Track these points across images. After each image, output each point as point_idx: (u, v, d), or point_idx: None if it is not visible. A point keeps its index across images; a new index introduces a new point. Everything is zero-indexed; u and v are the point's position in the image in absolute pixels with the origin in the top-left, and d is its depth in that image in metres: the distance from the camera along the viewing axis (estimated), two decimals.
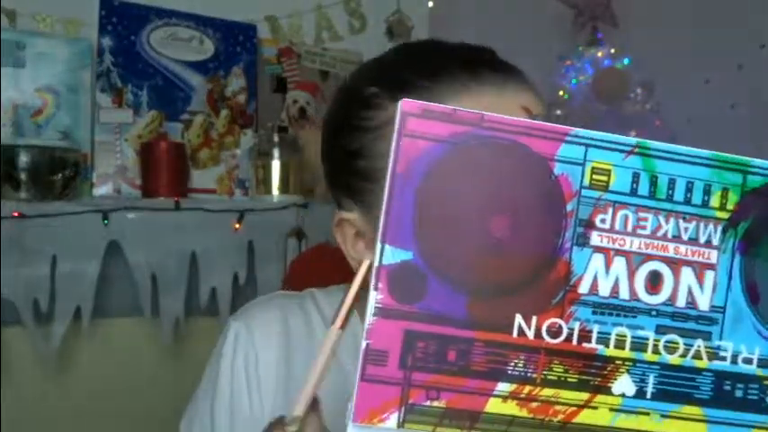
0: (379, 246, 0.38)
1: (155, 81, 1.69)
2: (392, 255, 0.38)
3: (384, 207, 0.38)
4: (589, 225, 0.40)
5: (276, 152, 1.66)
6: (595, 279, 0.40)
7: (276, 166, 1.66)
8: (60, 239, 1.45)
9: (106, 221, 1.47)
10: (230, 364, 0.72)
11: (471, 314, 0.39)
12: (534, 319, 0.40)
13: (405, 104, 0.39)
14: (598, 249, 0.40)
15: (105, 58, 1.65)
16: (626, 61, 2.24)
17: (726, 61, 2.48)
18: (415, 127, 0.38)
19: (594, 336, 0.40)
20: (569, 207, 0.40)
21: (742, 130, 2.48)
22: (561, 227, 0.40)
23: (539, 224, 0.39)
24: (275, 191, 1.66)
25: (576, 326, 0.40)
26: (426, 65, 0.62)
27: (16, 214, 1.41)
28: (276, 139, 1.68)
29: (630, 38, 2.29)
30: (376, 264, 0.38)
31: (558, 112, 2.17)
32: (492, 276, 0.39)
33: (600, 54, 2.25)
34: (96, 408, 1.54)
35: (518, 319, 0.40)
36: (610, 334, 0.40)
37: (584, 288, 0.40)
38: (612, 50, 2.25)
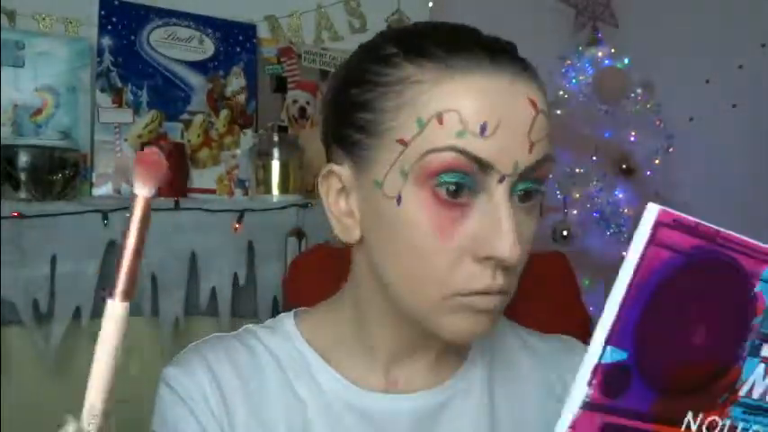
0: (601, 345, 0.40)
1: (154, 81, 1.69)
2: (611, 355, 0.40)
3: (613, 311, 0.40)
4: (765, 338, 0.44)
5: (276, 152, 1.66)
6: (753, 384, 0.44)
7: (276, 166, 1.66)
8: (60, 239, 1.44)
9: (106, 221, 1.47)
10: (173, 403, 0.71)
11: (654, 409, 0.43)
12: (701, 416, 0.44)
13: (661, 214, 0.39)
14: (764, 360, 0.44)
15: (105, 57, 1.65)
16: (626, 61, 2.24)
17: (726, 61, 2.48)
18: (663, 237, 0.40)
19: (739, 431, 0.45)
20: (756, 321, 0.43)
21: (742, 130, 2.48)
22: (745, 339, 0.43)
23: (730, 336, 0.43)
24: (275, 191, 1.66)
25: (728, 422, 0.44)
26: (448, 39, 0.62)
27: (16, 214, 1.41)
28: (276, 139, 1.68)
29: (630, 38, 2.29)
30: (594, 361, 0.40)
31: (558, 111, 2.17)
32: (681, 379, 0.43)
33: (600, 54, 2.25)
34: None
35: (689, 415, 0.44)
36: (748, 430, 0.45)
37: (743, 391, 0.44)
38: (612, 50, 2.25)
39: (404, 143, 0.60)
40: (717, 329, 0.42)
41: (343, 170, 0.64)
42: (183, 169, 1.66)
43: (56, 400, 1.52)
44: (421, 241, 0.59)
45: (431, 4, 2.03)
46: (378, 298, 0.66)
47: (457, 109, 0.58)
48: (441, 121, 0.58)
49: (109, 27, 1.66)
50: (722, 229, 0.41)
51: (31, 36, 1.63)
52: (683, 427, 0.43)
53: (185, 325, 1.55)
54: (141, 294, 1.50)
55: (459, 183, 0.58)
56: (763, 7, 2.49)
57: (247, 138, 1.76)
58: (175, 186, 1.60)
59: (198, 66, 1.74)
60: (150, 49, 1.70)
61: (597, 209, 2.23)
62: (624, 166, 2.24)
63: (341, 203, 0.65)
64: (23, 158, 1.47)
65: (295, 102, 1.86)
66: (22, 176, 1.47)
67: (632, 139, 2.24)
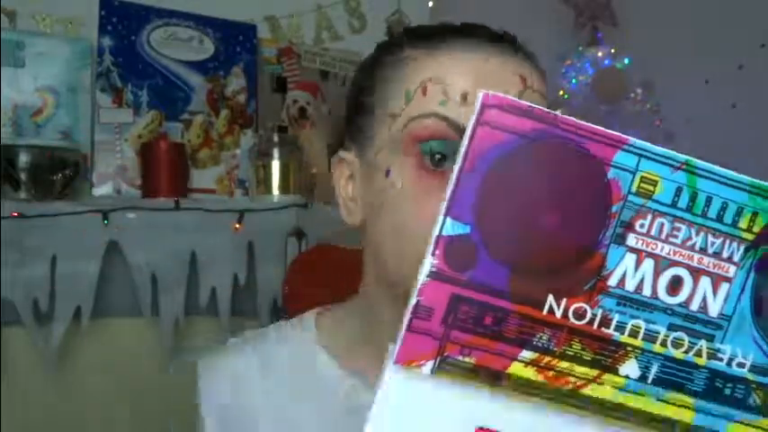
0: (441, 218, 0.43)
1: (155, 81, 1.69)
2: (451, 227, 0.43)
3: (451, 185, 0.42)
4: (629, 227, 0.45)
5: (276, 152, 1.66)
6: (624, 275, 0.45)
7: (276, 166, 1.66)
8: (60, 239, 1.44)
9: (106, 221, 1.47)
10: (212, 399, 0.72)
11: (511, 288, 0.44)
12: (564, 300, 0.45)
13: (485, 96, 0.42)
14: (632, 250, 0.45)
15: (105, 58, 1.65)
16: (626, 61, 2.24)
17: (726, 61, 2.48)
18: (493, 118, 0.42)
19: (614, 323, 0.46)
20: (614, 208, 0.44)
21: (742, 130, 2.48)
22: (604, 225, 0.44)
23: (585, 219, 0.44)
24: (275, 191, 1.66)
25: (600, 312, 0.45)
26: (451, 27, 0.66)
27: (16, 214, 1.41)
28: (276, 139, 1.68)
29: (630, 38, 2.29)
30: (436, 233, 0.43)
31: (558, 111, 2.17)
32: (535, 259, 0.44)
33: (600, 54, 2.25)
34: (96, 408, 1.54)
35: (550, 298, 0.45)
36: (627, 324, 0.46)
37: (613, 281, 0.45)
38: (612, 50, 2.25)
39: (393, 116, 0.62)
40: (570, 212, 0.44)
41: (350, 155, 0.67)
42: (183, 169, 1.66)
43: (56, 400, 1.52)
44: (405, 207, 0.61)
45: (431, 4, 2.03)
46: (384, 296, 0.66)
47: (441, 78, 0.61)
48: (425, 92, 0.61)
49: (109, 27, 1.66)
50: (563, 116, 0.43)
51: (31, 36, 1.63)
52: (546, 310, 0.45)
53: (185, 325, 1.55)
54: (141, 294, 1.50)
55: (443, 153, 0.60)
56: (763, 7, 2.49)
57: (247, 138, 1.76)
58: (175, 186, 1.60)
59: (198, 66, 1.74)
60: (150, 50, 1.70)
61: None
62: None
63: (349, 189, 0.68)
64: (23, 158, 1.47)
65: (295, 102, 1.86)
66: (23, 176, 1.47)
67: None
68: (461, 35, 0.63)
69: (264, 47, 1.86)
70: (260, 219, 1.57)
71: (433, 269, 0.43)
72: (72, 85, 1.64)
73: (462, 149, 0.42)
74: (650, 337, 0.46)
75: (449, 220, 0.43)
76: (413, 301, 0.44)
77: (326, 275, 0.85)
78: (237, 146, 1.75)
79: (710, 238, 0.45)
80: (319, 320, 0.74)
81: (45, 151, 1.50)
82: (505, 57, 0.62)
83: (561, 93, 2.22)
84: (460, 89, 0.60)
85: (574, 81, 2.23)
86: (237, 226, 1.55)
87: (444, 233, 0.43)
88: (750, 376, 0.47)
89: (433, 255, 0.43)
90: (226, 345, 0.75)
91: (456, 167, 0.42)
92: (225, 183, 1.73)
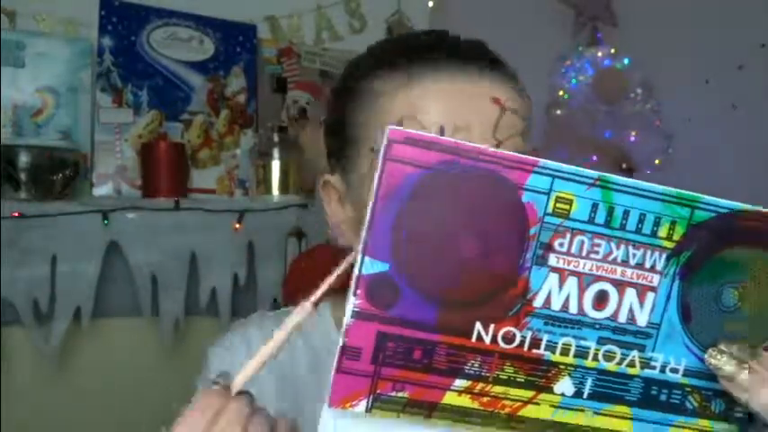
0: (359, 257, 0.43)
1: (155, 81, 1.69)
2: (371, 266, 0.43)
3: (366, 223, 0.42)
4: (548, 248, 0.45)
5: (276, 152, 1.66)
6: (549, 295, 0.46)
7: (276, 166, 1.66)
8: (60, 239, 1.44)
9: (106, 221, 1.47)
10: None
11: (439, 321, 0.44)
12: (492, 327, 0.45)
13: (390, 132, 0.42)
14: (554, 269, 0.45)
15: (105, 58, 1.65)
16: (626, 61, 2.24)
17: (726, 61, 2.48)
18: (399, 153, 0.42)
19: (543, 343, 0.46)
20: (532, 231, 0.45)
21: (742, 130, 2.48)
22: (523, 249, 0.45)
23: (504, 246, 0.44)
24: (275, 191, 1.66)
25: (529, 334, 0.46)
26: (412, 46, 0.64)
27: (16, 214, 1.41)
28: (276, 139, 1.68)
29: (630, 38, 2.29)
30: (356, 273, 0.43)
31: (558, 111, 2.17)
32: (458, 289, 0.44)
33: (600, 54, 2.25)
34: (96, 407, 1.54)
35: (478, 326, 0.45)
36: (557, 342, 0.46)
37: (538, 302, 0.46)
38: (612, 50, 2.25)
39: (373, 150, 0.62)
40: (488, 239, 0.44)
41: (336, 179, 0.68)
42: (183, 169, 1.65)
43: (56, 400, 1.52)
44: None
45: (431, 4, 2.03)
46: None
47: (415, 115, 0.60)
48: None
49: (109, 27, 1.66)
50: (466, 143, 0.43)
51: (31, 36, 1.63)
52: (474, 338, 0.45)
53: (185, 325, 1.55)
54: (141, 294, 1.50)
55: None
56: (762, 7, 2.49)
57: (247, 138, 1.76)
58: (175, 186, 1.60)
59: (198, 66, 1.74)
60: (150, 50, 1.70)
61: None
62: (624, 166, 2.24)
63: (339, 212, 0.69)
64: (24, 158, 1.47)
65: (295, 102, 1.86)
66: (23, 176, 1.47)
67: (632, 139, 2.24)
68: (431, 63, 0.62)
69: (264, 47, 1.86)
70: (260, 219, 1.57)
71: (356, 309, 0.43)
72: (72, 85, 1.64)
73: (374, 187, 0.42)
74: (581, 353, 0.46)
75: (367, 258, 0.43)
76: (340, 342, 0.44)
77: (326, 275, 0.84)
78: (237, 146, 1.75)
79: (631, 250, 0.45)
80: (334, 305, 0.75)
81: (45, 151, 1.50)
82: (478, 80, 0.61)
83: (561, 93, 2.22)
84: (435, 123, 0.59)
85: (574, 81, 2.23)
86: (237, 226, 1.55)
87: (364, 272, 0.43)
88: (684, 381, 0.48)
89: (355, 295, 0.43)
90: (244, 321, 0.77)
91: (369, 206, 0.42)
92: (225, 183, 1.73)
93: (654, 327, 0.47)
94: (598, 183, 0.44)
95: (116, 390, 1.56)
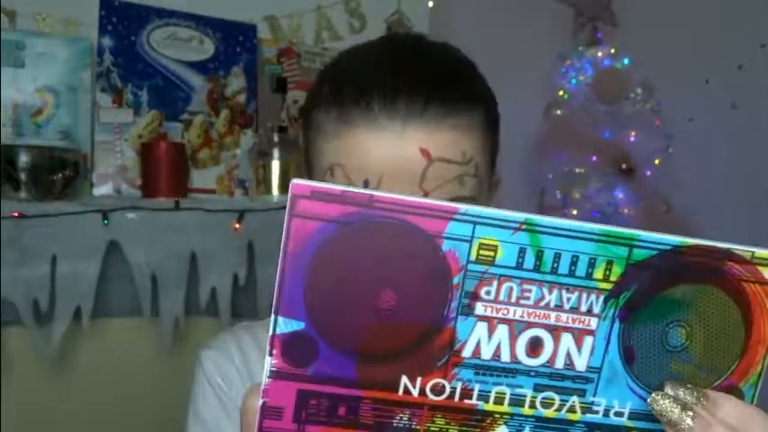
0: (273, 317, 0.42)
1: (155, 81, 1.69)
2: (285, 325, 0.42)
3: (277, 282, 0.41)
4: (474, 297, 0.43)
5: (276, 152, 1.66)
6: (478, 344, 0.44)
7: (276, 166, 1.66)
8: (60, 239, 1.44)
9: (106, 221, 1.47)
10: (209, 377, 0.72)
11: (360, 376, 0.43)
12: (419, 379, 0.44)
13: (295, 187, 0.41)
14: (482, 318, 0.44)
15: (105, 58, 1.65)
16: (626, 61, 2.24)
17: (726, 61, 2.48)
18: (305, 208, 0.41)
19: (476, 393, 0.44)
20: (456, 280, 0.43)
21: (742, 130, 2.48)
22: (447, 299, 0.43)
23: (424, 297, 0.43)
24: (275, 191, 1.66)
25: (459, 385, 0.44)
26: (352, 81, 0.64)
27: (16, 214, 1.41)
28: (276, 139, 1.68)
29: (630, 38, 2.29)
30: (270, 333, 0.42)
31: (558, 111, 2.17)
32: (379, 344, 0.43)
33: (600, 54, 2.25)
34: (96, 408, 1.54)
35: (404, 379, 0.44)
36: (490, 391, 0.44)
37: (467, 352, 0.44)
38: (612, 50, 2.25)
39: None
40: (406, 291, 0.42)
41: None
42: (183, 169, 1.66)
43: (56, 400, 1.52)
44: None
45: (431, 4, 2.03)
46: None
47: (342, 164, 0.61)
48: (332, 174, 0.62)
49: (109, 27, 1.66)
50: (379, 193, 0.41)
51: (31, 36, 1.63)
52: (401, 391, 0.44)
53: (185, 325, 1.55)
54: (141, 294, 1.50)
55: None
56: (762, 7, 2.50)
57: (247, 138, 1.76)
58: (175, 186, 1.60)
59: (198, 66, 1.74)
60: (150, 50, 1.70)
61: (597, 209, 2.23)
62: (624, 166, 2.24)
63: None
64: (23, 158, 1.47)
65: (295, 102, 1.86)
66: (23, 176, 1.47)
67: (632, 139, 2.24)
68: (362, 108, 0.61)
69: (264, 47, 1.86)
70: (260, 219, 1.57)
71: (273, 368, 0.42)
72: (72, 85, 1.64)
73: (282, 245, 0.41)
74: (517, 400, 0.45)
75: (280, 318, 0.42)
76: (258, 403, 0.43)
77: None
78: (237, 146, 1.75)
79: (565, 294, 0.44)
80: None
81: (45, 151, 1.50)
82: (407, 123, 0.60)
83: (561, 93, 2.22)
84: (361, 176, 0.60)
85: (574, 81, 2.23)
86: (237, 226, 1.55)
87: (278, 332, 0.42)
88: (630, 424, 0.46)
89: (271, 355, 0.42)
90: (234, 327, 0.77)
91: (279, 264, 0.42)
92: (225, 183, 1.73)
93: (594, 371, 0.45)
94: (524, 227, 0.42)
95: (116, 390, 1.56)
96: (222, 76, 1.76)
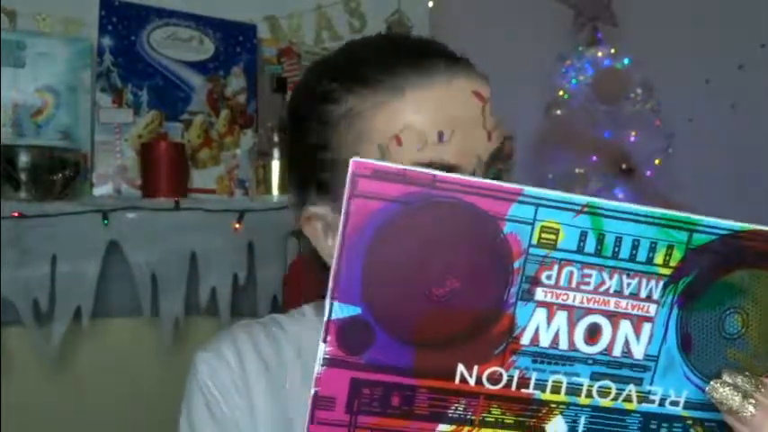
0: (328, 302, 0.40)
1: (155, 81, 1.69)
2: (341, 310, 0.41)
3: (334, 266, 0.40)
4: (535, 281, 0.42)
5: (276, 152, 1.66)
6: (537, 331, 0.43)
7: (276, 166, 1.66)
8: (60, 239, 1.45)
9: (106, 221, 1.47)
10: (203, 385, 0.72)
11: (417, 364, 0.42)
12: (476, 367, 0.43)
13: (355, 165, 0.39)
14: (542, 304, 0.43)
15: (105, 58, 1.65)
16: (626, 61, 2.24)
17: (726, 61, 2.48)
18: (365, 188, 0.39)
19: (532, 382, 0.44)
20: (516, 264, 0.42)
21: (742, 130, 2.48)
22: (507, 283, 0.42)
23: (484, 281, 0.41)
24: (275, 191, 1.66)
25: (516, 373, 0.43)
26: (377, 58, 0.63)
27: (16, 214, 1.41)
28: (276, 139, 1.68)
29: (630, 38, 2.29)
30: (325, 318, 0.40)
31: (558, 111, 2.17)
32: (436, 330, 0.41)
33: (600, 54, 2.25)
34: (96, 407, 1.54)
35: (460, 368, 0.43)
36: (547, 380, 0.44)
37: (525, 339, 0.43)
38: (612, 50, 2.25)
39: (380, 149, 0.61)
40: (466, 276, 0.41)
41: (323, 209, 0.65)
42: (183, 169, 1.65)
43: (56, 400, 1.52)
44: None
45: (431, 4, 2.03)
46: None
47: (410, 125, 0.59)
48: (399, 142, 0.60)
49: (109, 27, 1.66)
50: (441, 173, 0.40)
51: (31, 36, 1.63)
52: (458, 380, 0.43)
53: (185, 325, 1.55)
54: (141, 294, 1.50)
55: None
56: (762, 7, 2.49)
57: (247, 138, 1.76)
58: (175, 186, 1.60)
59: (198, 66, 1.74)
60: (150, 50, 1.70)
61: None
62: (624, 167, 2.24)
63: (329, 241, 0.66)
64: (23, 158, 1.47)
65: None
66: (23, 176, 1.47)
67: (632, 139, 2.24)
68: (397, 68, 0.61)
69: (264, 47, 1.86)
70: (260, 219, 1.57)
71: (327, 356, 0.41)
72: (72, 85, 1.64)
73: (340, 227, 0.40)
74: (574, 390, 0.44)
75: (336, 303, 0.40)
76: (311, 392, 0.42)
77: (326, 275, 0.84)
78: (237, 146, 1.75)
79: (625, 280, 0.43)
80: (320, 310, 0.74)
81: (45, 151, 1.50)
82: (451, 73, 0.61)
83: (561, 93, 2.22)
84: (433, 129, 0.59)
85: (574, 81, 2.23)
86: (237, 226, 1.55)
87: (334, 317, 0.40)
88: (686, 413, 0.46)
89: (325, 341, 0.41)
90: (232, 327, 0.75)
91: (336, 246, 0.40)
92: (225, 183, 1.73)
93: (651, 359, 0.44)
94: (586, 209, 0.42)
95: (116, 390, 1.56)
96: (222, 76, 1.76)
